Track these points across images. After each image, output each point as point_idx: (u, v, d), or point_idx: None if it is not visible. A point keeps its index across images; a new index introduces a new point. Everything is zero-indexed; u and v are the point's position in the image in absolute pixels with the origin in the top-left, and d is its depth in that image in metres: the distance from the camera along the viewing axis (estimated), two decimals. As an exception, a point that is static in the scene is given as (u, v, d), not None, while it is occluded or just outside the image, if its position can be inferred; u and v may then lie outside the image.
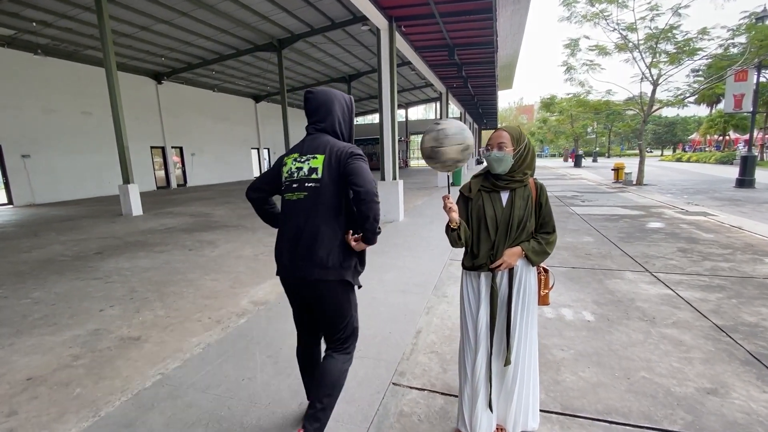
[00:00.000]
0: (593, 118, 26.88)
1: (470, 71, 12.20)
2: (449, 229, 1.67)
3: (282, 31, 15.08)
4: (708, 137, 36.21)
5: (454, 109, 18.75)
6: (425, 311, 3.30)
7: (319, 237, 1.55)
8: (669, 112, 50.26)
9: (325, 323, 1.68)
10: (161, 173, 18.76)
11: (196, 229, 7.41)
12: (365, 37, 16.35)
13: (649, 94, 13.06)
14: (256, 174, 25.95)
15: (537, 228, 1.70)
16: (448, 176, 1.90)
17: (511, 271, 1.66)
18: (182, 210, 10.34)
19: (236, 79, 21.35)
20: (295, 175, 1.61)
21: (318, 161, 1.58)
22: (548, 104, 24.81)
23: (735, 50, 11.72)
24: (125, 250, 5.87)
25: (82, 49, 14.53)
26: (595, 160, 35.26)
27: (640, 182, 13.25)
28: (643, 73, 13.03)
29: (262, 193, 1.77)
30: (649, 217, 7.29)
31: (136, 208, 9.60)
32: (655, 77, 12.84)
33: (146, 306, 3.58)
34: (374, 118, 38.36)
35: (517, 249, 1.64)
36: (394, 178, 7.54)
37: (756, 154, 11.62)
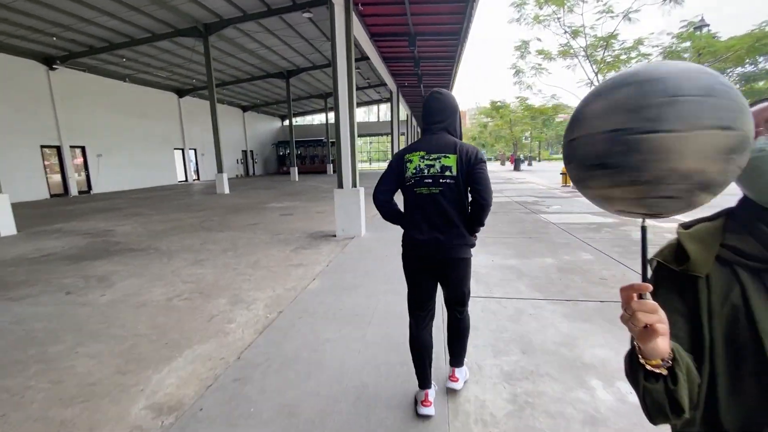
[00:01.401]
0: (531, 124, 28.08)
1: (427, 67, 11.30)
2: (641, 374, 0.64)
3: (208, 14, 13.04)
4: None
5: (402, 110, 17.91)
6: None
7: (453, 224, 1.83)
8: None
9: (453, 288, 1.97)
10: (57, 178, 15.46)
11: (86, 256, 5.48)
12: (306, 29, 14.83)
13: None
14: (181, 178, 22.96)
15: None
16: (643, 229, 0.66)
17: None
18: (76, 226, 8.07)
19: (154, 69, 18.51)
20: (426, 171, 1.82)
21: (451, 161, 1.80)
22: (498, 108, 25.15)
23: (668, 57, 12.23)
24: (-41, 297, 3.90)
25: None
26: (530, 164, 36.98)
27: (588, 186, 13.33)
28: (590, 79, 13.23)
29: (390, 194, 1.97)
30: (627, 226, 6.83)
31: (5, 226, 7.21)
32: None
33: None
34: (314, 118, 36.58)
35: None
36: (354, 185, 6.26)
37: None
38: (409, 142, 25.90)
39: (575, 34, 13.19)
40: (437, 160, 1.81)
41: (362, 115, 36.68)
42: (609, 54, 13.65)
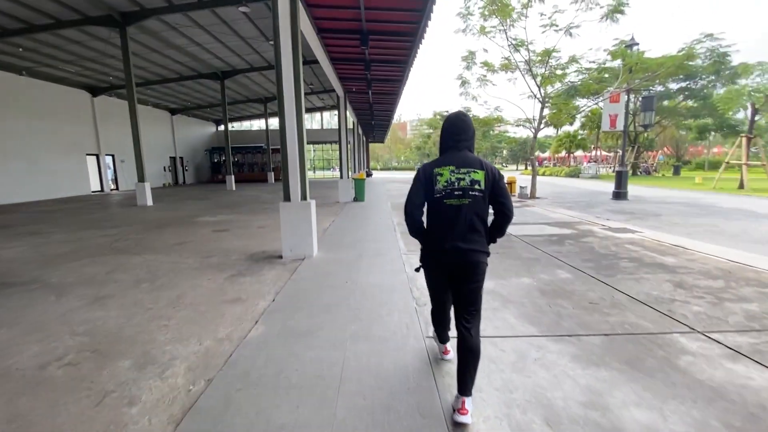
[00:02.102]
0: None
1: (378, 72, 10.69)
2: None
3: (126, 2, 11.37)
4: (556, 155, 42.91)
5: (349, 118, 17.25)
6: None
7: (479, 230, 2.00)
8: (523, 132, 58.54)
9: (468, 293, 2.03)
10: None
11: (-69, 299, 3.99)
12: (243, 26, 13.65)
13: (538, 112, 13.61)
14: (96, 188, 20.11)
15: None
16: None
17: None
18: (-67, 252, 6.21)
19: (61, 63, 15.98)
20: (456, 184, 1.96)
21: (479, 175, 1.97)
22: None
23: (607, 75, 12.96)
24: None
25: None
26: (471, 174, 38.05)
27: (533, 195, 13.65)
28: (532, 91, 13.60)
29: (423, 210, 2.10)
30: (587, 237, 6.71)
31: None
32: (542, 96, 13.46)
33: None
34: (252, 124, 34.63)
35: None
36: (304, 197, 5.39)
37: (627, 169, 12.86)
38: (356, 152, 25.23)
39: (518, 47, 13.48)
40: (467, 174, 1.97)
41: (305, 122, 35.41)
42: (546, 70, 14.15)
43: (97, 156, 20.26)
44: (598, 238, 6.57)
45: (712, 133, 36.37)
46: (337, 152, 37.39)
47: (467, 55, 13.55)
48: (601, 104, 13.12)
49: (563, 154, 41.44)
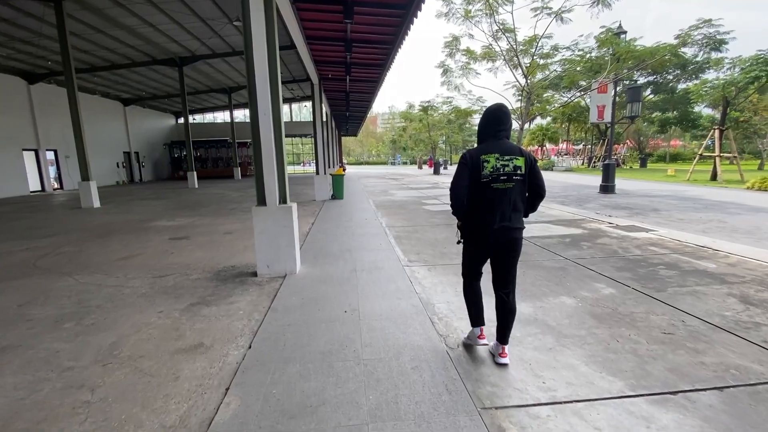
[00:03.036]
0: (448, 128, 28.30)
1: (359, 54, 9.53)
2: None
3: (59, -32, 9.68)
4: (529, 148, 43.26)
5: (323, 109, 15.96)
6: None
7: (520, 209, 2.32)
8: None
9: (508, 266, 2.41)
10: None
11: None
12: (202, 5, 12.15)
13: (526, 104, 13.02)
14: (36, 187, 17.86)
15: None
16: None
17: None
18: None
19: (-16, 43, 13.78)
20: (501, 170, 2.22)
21: (520, 162, 2.25)
22: (426, 108, 24.55)
23: (592, 64, 12.50)
24: None
25: None
26: (445, 168, 37.70)
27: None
28: (519, 81, 12.99)
29: (467, 192, 2.30)
30: (601, 238, 6.06)
31: None
32: (528, 86, 12.88)
33: None
34: (216, 116, 32.52)
35: None
36: (283, 200, 4.33)
37: (614, 162, 12.52)
38: (329, 146, 23.95)
39: (504, 33, 12.80)
40: (510, 161, 2.24)
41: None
42: (532, 58, 13.61)
43: (36, 151, 17.96)
44: (614, 239, 5.92)
45: (672, 126, 37.78)
46: (308, 146, 35.85)
47: (451, 40, 12.74)
48: (587, 97, 12.71)
49: (535, 147, 41.93)
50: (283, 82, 23.57)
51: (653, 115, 33.60)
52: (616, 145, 38.05)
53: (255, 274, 4.35)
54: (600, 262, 4.71)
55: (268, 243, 4.20)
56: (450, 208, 2.39)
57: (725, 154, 16.69)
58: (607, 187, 12.25)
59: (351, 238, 6.31)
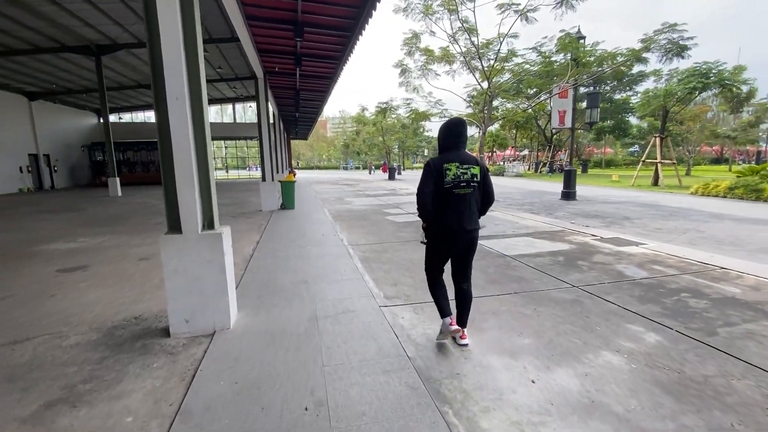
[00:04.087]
0: (402, 133, 27.65)
1: (312, 43, 8.18)
2: None
3: None
4: (484, 154, 44.11)
5: (270, 109, 14.34)
6: None
7: (475, 212, 2.63)
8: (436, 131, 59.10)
9: (467, 262, 2.75)
10: None
11: None
12: (120, -21, 10.23)
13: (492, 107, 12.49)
14: None
15: None
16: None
17: None
18: None
19: None
20: (461, 177, 2.52)
21: (476, 170, 2.57)
22: (385, 110, 23.55)
23: (545, 68, 12.26)
24: None
25: None
26: (399, 173, 37.13)
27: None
28: (479, 83, 12.43)
29: (432, 196, 2.55)
30: (595, 255, 5.35)
31: None
32: (490, 90, 12.37)
33: None
34: (149, 115, 29.27)
35: None
36: (209, 225, 3.01)
37: (574, 168, 12.34)
38: (277, 149, 22.18)
39: (458, 35, 12.19)
40: (468, 169, 2.54)
41: (213, 115, 30.86)
42: (491, 62, 13.16)
43: None
44: (610, 257, 5.23)
45: (607, 134, 40.37)
46: (254, 149, 33.44)
47: (410, 36, 11.86)
48: (550, 103, 12.49)
49: (488, 153, 42.79)
50: (225, 79, 21.58)
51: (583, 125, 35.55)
52: (558, 152, 39.88)
53: (167, 333, 2.98)
54: (614, 290, 3.90)
55: (185, 287, 2.86)
56: (417, 215, 2.64)
57: (665, 161, 17.50)
58: (569, 194, 12.03)
59: (307, 263, 5.05)
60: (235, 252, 5.22)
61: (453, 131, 2.59)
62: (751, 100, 29.82)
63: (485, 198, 2.67)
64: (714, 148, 44.74)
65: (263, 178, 11.03)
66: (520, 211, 9.85)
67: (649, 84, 21.77)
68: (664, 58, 10.26)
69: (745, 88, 20.25)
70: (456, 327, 2.68)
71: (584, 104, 18.95)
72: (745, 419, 1.98)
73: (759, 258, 5.23)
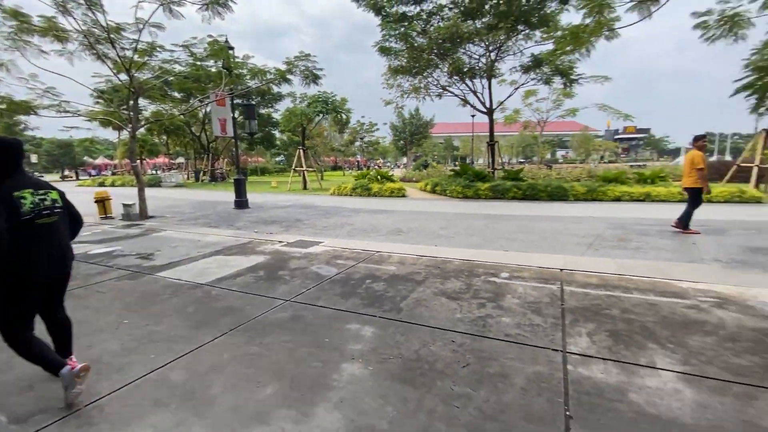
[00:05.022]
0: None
1: None
2: None
3: None
4: (123, 161, 36.31)
5: None
6: None
7: (67, 241, 2.41)
8: (62, 134, 44.89)
9: (62, 293, 2.46)
10: None
11: None
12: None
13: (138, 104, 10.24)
14: None
15: None
16: None
17: None
18: None
19: None
20: (41, 204, 2.20)
21: (55, 195, 2.33)
22: None
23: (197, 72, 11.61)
24: None
25: None
26: None
27: (146, 215, 10.36)
28: (115, 74, 9.87)
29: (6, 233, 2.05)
30: (288, 262, 5.48)
31: None
32: (133, 84, 10.18)
33: None
34: None
35: None
36: None
37: (243, 177, 12.44)
38: None
39: (74, 6, 9.48)
40: (47, 194, 2.27)
41: None
42: (118, 51, 10.88)
43: None
44: (303, 260, 5.50)
45: (258, 144, 44.50)
46: None
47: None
48: (207, 108, 11.81)
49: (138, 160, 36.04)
50: None
51: (243, 134, 37.80)
52: (217, 160, 39.80)
53: None
54: (320, 294, 4.07)
55: None
56: None
57: (309, 169, 21.14)
58: (242, 202, 12.04)
59: None
60: None
61: (11, 153, 2.19)
62: (348, 124, 41.48)
63: (74, 223, 2.52)
64: (331, 158, 58.91)
65: None
66: (197, 226, 8.83)
67: (287, 103, 25.45)
68: (304, 82, 12.15)
69: (344, 116, 27.74)
70: (78, 366, 2.21)
71: (239, 115, 19.63)
72: (457, 380, 2.44)
73: (392, 239, 7.10)
